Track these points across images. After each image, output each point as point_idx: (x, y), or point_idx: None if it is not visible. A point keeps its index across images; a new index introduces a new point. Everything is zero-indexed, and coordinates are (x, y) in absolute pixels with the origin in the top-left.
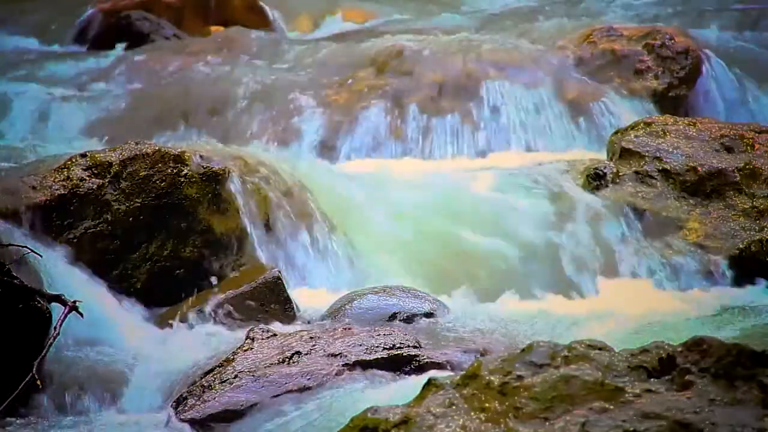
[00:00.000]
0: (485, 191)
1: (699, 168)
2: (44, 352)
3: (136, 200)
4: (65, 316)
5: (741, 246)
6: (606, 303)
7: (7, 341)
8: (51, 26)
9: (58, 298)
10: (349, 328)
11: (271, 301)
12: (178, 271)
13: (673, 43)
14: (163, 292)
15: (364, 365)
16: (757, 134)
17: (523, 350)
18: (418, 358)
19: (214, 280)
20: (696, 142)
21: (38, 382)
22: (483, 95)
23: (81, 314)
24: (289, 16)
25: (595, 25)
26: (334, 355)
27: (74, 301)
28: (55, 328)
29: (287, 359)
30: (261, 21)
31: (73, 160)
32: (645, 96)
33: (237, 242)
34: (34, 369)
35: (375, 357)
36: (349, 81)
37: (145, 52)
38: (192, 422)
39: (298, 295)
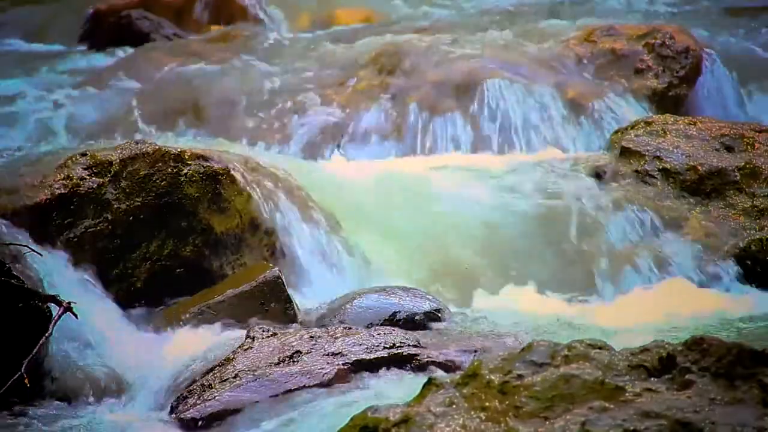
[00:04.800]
0: (486, 191)
1: (699, 167)
2: (34, 351)
3: (137, 199)
4: (59, 317)
5: (741, 245)
6: (606, 302)
7: (5, 340)
8: (51, 26)
9: (54, 299)
10: (349, 328)
11: (271, 300)
12: (178, 271)
13: (674, 42)
14: (163, 291)
15: (364, 365)
16: (757, 133)
17: (523, 349)
18: (418, 358)
19: (214, 279)
20: (696, 142)
21: (26, 381)
22: (483, 95)
23: (76, 315)
24: (290, 16)
25: (596, 24)
26: (334, 355)
27: (69, 302)
28: (48, 328)
29: (287, 358)
30: (261, 20)
31: (74, 159)
32: (645, 95)
33: (237, 242)
34: (23, 368)
35: (375, 356)
36: (349, 81)
37: (145, 52)
38: (192, 421)
39: (298, 294)
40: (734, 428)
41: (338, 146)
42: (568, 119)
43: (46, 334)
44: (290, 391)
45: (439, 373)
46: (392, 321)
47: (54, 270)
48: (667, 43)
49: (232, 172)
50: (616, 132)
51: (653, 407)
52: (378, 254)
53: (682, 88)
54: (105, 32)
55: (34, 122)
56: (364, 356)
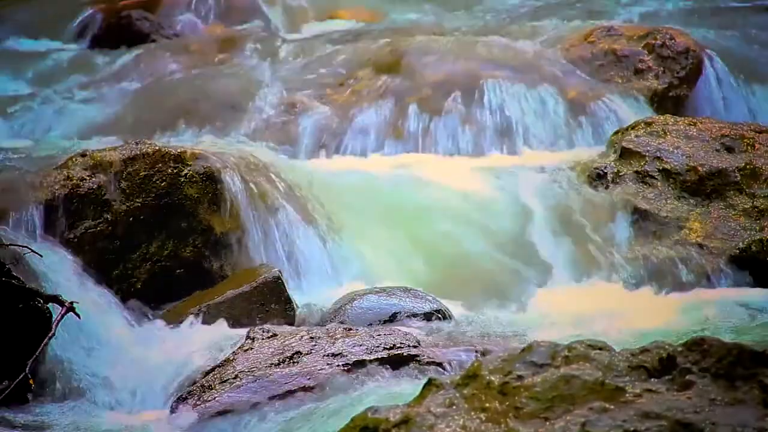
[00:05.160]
0: (485, 191)
1: (699, 168)
2: (38, 351)
3: (137, 200)
4: (62, 317)
5: (741, 246)
6: (606, 302)
7: (7, 341)
8: (51, 26)
9: (56, 299)
10: (349, 328)
11: (271, 301)
12: (178, 271)
13: (674, 42)
14: (163, 292)
15: (365, 365)
16: (757, 134)
17: (523, 350)
18: (418, 358)
19: (214, 280)
20: (696, 142)
21: (31, 382)
22: (483, 95)
23: (78, 315)
24: (290, 16)
25: (596, 25)
26: (334, 355)
27: (71, 302)
28: (51, 328)
29: (287, 359)
30: (261, 20)
31: (74, 160)
32: (645, 96)
33: (237, 242)
34: (28, 368)
35: (375, 357)
36: (349, 81)
37: (145, 52)
38: (192, 422)
39: (298, 295)
40: (735, 429)
41: (338, 146)
42: (568, 120)
43: (50, 334)
44: (290, 392)
45: (440, 374)
46: (392, 322)
47: (54, 270)
48: (668, 43)
49: (232, 172)
50: (616, 132)
51: (653, 408)
52: (378, 255)
53: (683, 89)
54: (104, 32)
55: (33, 122)
56: (364, 357)
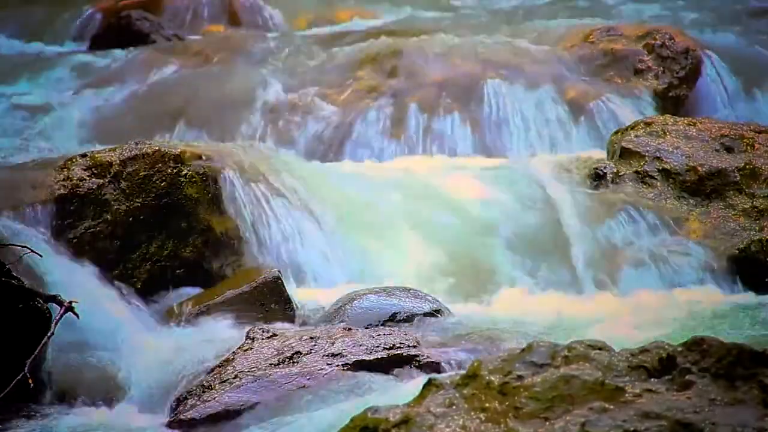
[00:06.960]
0: (485, 192)
1: (699, 168)
2: (36, 351)
3: (136, 200)
4: (60, 317)
5: (741, 246)
6: (606, 302)
7: (6, 341)
8: (51, 26)
9: (55, 299)
10: (349, 328)
11: (271, 301)
12: (178, 272)
13: (673, 42)
14: (163, 292)
15: (364, 365)
16: (757, 134)
17: (523, 350)
18: (418, 358)
19: (214, 280)
20: (696, 142)
21: (30, 381)
22: (483, 95)
23: (77, 315)
24: (290, 16)
25: (595, 25)
26: (334, 355)
27: (70, 302)
28: (50, 328)
29: (287, 359)
30: (261, 21)
31: (73, 160)
32: (645, 96)
33: (237, 242)
34: (27, 368)
35: (375, 357)
36: (349, 81)
37: (145, 52)
38: (192, 422)
39: (298, 295)
40: (734, 429)
41: (338, 146)
42: (568, 120)
43: (49, 334)
44: (290, 392)
45: (439, 374)
46: (392, 321)
47: (53, 271)
48: (667, 43)
49: (232, 172)
50: (616, 133)
51: (653, 408)
52: (378, 255)
53: (682, 89)
54: (104, 33)
55: (33, 123)
56: (364, 357)
